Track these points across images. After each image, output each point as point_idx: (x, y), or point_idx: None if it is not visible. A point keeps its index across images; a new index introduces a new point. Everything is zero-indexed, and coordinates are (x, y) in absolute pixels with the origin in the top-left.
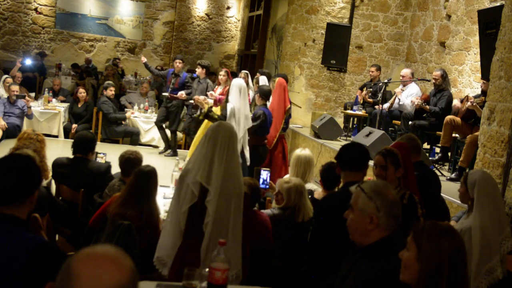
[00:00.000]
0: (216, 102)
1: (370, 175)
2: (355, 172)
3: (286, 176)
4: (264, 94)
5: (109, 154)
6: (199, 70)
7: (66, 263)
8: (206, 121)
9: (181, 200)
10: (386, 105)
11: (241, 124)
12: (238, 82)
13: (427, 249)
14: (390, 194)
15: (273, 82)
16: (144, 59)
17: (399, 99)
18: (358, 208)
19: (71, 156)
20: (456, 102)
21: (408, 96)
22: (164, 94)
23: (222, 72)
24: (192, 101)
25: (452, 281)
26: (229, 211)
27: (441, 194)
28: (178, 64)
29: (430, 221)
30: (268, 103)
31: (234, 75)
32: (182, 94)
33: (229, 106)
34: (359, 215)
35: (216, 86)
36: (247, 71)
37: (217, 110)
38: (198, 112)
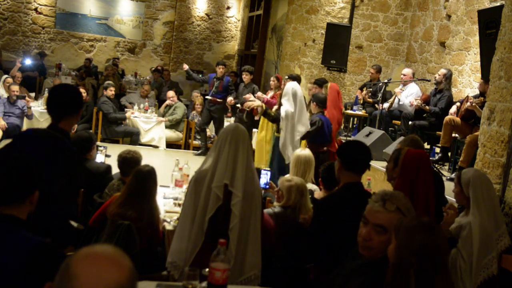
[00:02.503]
0: (264, 103)
1: (369, 175)
2: (358, 174)
3: (288, 175)
4: (320, 101)
5: (109, 154)
6: (247, 77)
7: (65, 263)
8: (262, 120)
9: (201, 205)
10: (386, 105)
11: (295, 128)
12: (291, 86)
13: (399, 240)
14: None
15: (325, 88)
16: (186, 67)
17: (399, 99)
18: (397, 239)
19: None
20: (452, 110)
21: (408, 96)
22: (207, 97)
23: (273, 78)
24: (239, 105)
25: (421, 275)
26: (250, 212)
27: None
28: (222, 69)
29: (412, 216)
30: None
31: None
32: (231, 100)
33: (283, 109)
34: (390, 240)
35: (268, 91)
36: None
37: (271, 111)
38: (245, 115)
